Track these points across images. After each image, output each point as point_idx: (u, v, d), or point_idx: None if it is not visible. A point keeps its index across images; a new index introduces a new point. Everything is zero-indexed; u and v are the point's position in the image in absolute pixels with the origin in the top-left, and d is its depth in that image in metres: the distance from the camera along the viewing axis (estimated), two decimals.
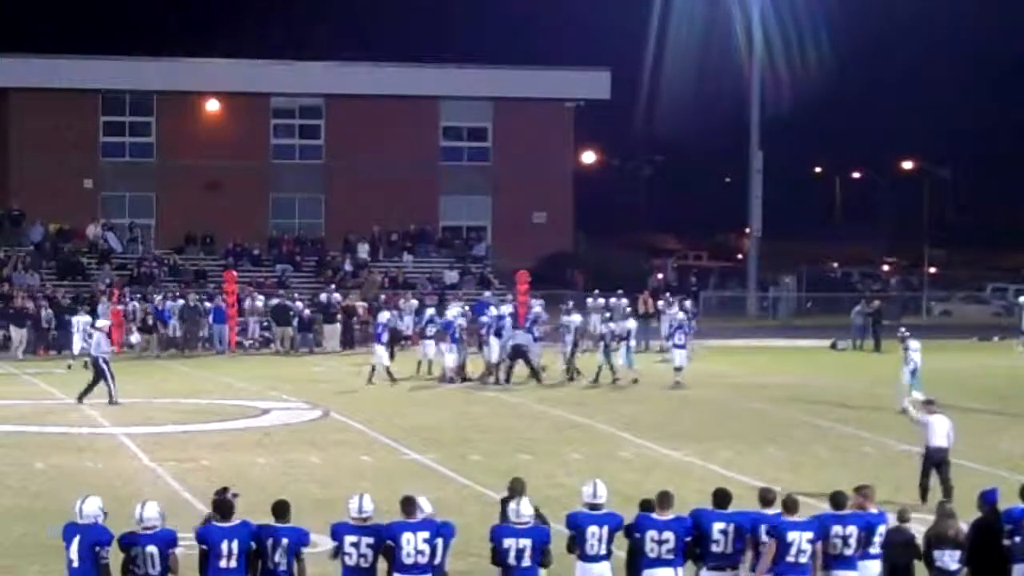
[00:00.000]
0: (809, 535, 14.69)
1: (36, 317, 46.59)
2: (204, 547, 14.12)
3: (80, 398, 33.20)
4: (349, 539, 14.38)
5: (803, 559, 14.65)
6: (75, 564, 13.95)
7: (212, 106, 63.78)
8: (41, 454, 26.14)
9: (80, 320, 42.65)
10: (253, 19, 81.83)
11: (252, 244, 58.85)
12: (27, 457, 25.83)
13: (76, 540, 13.98)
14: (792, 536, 14.63)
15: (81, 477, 23.99)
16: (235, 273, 51.38)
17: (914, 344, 32.71)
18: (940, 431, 22.05)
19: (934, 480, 21.84)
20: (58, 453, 26.38)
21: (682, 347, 37.77)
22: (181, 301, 47.88)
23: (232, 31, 77.48)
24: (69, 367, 41.09)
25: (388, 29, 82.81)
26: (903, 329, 35.33)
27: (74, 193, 60.23)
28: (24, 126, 60.84)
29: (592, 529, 14.71)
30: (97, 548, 13.88)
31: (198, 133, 63.00)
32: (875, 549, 15.08)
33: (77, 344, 42.02)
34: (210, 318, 47.84)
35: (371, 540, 14.34)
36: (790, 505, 14.89)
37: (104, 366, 33.40)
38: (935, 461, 21.94)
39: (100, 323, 36.44)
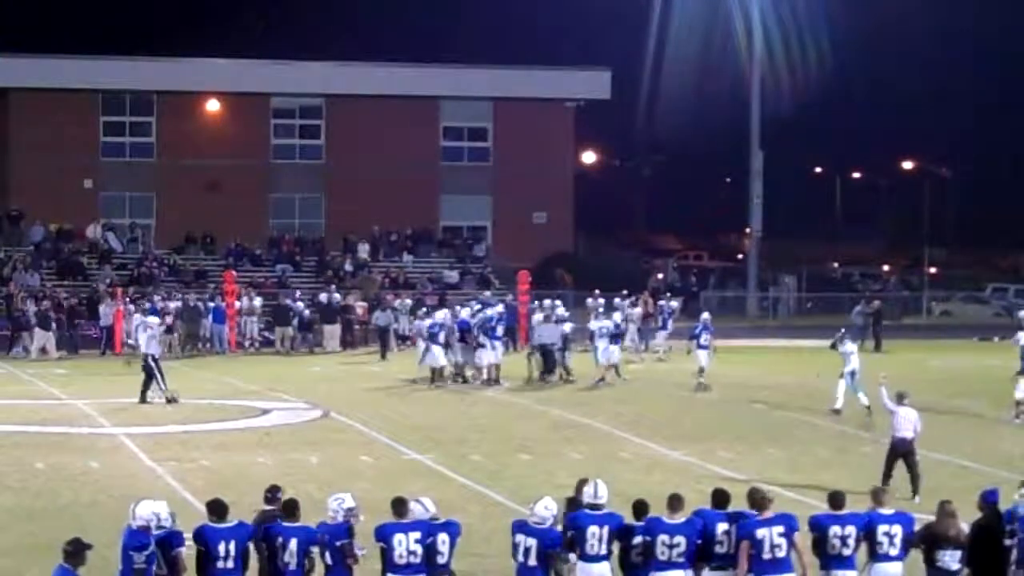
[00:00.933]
0: (780, 529, 14.68)
1: (60, 319, 46.44)
2: (201, 548, 14.12)
3: (150, 398, 33.15)
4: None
5: (780, 553, 14.65)
6: (119, 566, 14.01)
7: (212, 106, 63.74)
8: (41, 454, 26.13)
9: (139, 317, 41.37)
10: (253, 19, 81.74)
11: (252, 244, 58.82)
12: (27, 457, 25.82)
13: (120, 543, 14.05)
14: (761, 533, 14.64)
15: (81, 477, 24.00)
16: (235, 273, 51.39)
17: (850, 346, 32.65)
18: (906, 423, 22.68)
19: (903, 471, 22.47)
20: (58, 453, 26.36)
21: (706, 348, 37.60)
22: (181, 301, 47.86)
23: (232, 31, 77.43)
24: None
25: (388, 29, 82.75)
26: (843, 329, 35.14)
27: (74, 193, 60.14)
28: (24, 126, 60.72)
29: (592, 529, 14.72)
30: (131, 552, 13.87)
31: (198, 133, 62.96)
32: (895, 551, 15.00)
33: (143, 342, 41.15)
34: (210, 318, 47.85)
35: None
36: (757, 503, 14.89)
37: (152, 364, 33.35)
38: (900, 452, 22.64)
39: (151, 320, 36.33)
